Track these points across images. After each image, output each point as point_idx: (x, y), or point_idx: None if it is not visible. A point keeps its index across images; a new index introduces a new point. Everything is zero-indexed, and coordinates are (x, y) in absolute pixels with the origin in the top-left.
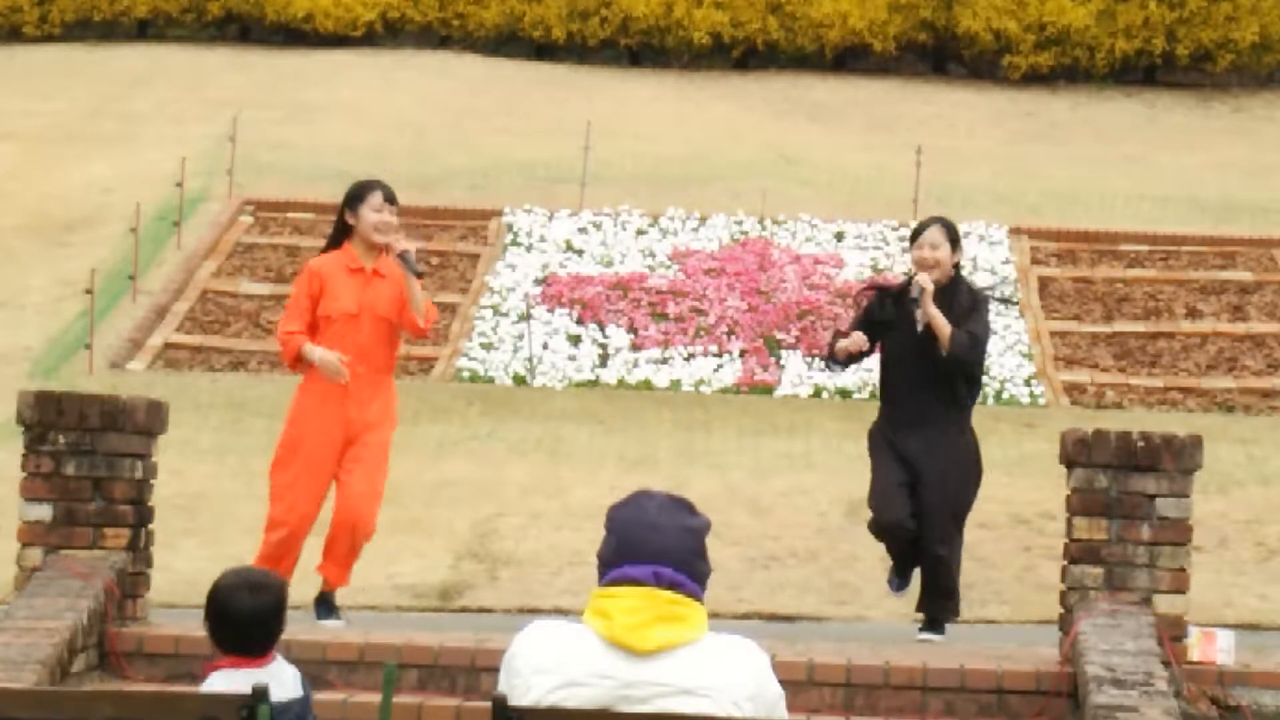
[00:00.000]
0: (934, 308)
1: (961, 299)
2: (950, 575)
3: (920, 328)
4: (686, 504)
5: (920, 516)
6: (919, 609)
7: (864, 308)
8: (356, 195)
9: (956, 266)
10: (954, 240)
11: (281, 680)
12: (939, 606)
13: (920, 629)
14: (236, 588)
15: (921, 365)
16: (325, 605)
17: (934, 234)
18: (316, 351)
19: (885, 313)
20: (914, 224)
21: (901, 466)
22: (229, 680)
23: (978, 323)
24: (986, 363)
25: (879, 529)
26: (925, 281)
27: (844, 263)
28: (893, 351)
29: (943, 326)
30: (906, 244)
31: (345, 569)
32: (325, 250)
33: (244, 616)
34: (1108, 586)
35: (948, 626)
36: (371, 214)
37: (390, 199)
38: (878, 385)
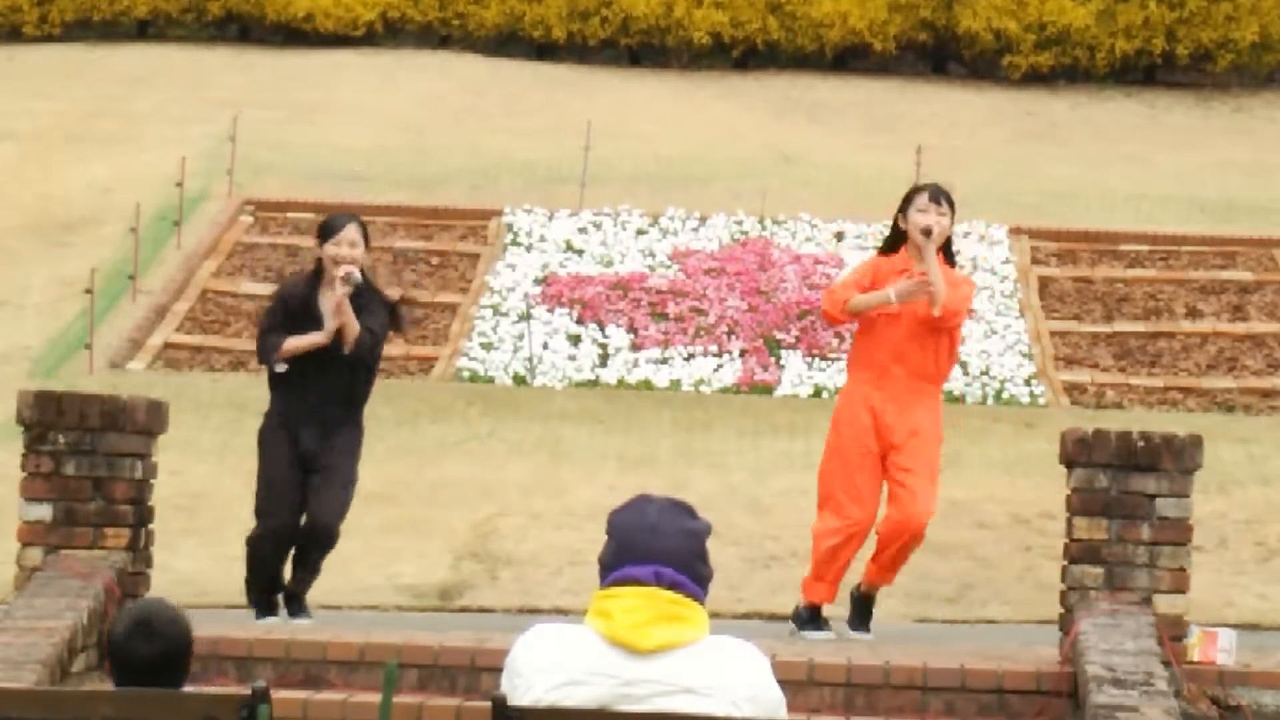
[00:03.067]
0: (348, 309)
1: (371, 299)
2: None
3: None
4: (687, 508)
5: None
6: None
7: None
8: (907, 199)
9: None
10: (366, 239)
11: None
12: (309, 583)
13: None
14: (132, 634)
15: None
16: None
17: (351, 232)
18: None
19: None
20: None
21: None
22: None
23: (375, 319)
24: (986, 362)
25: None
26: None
27: (844, 263)
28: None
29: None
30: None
31: (892, 572)
32: None
33: (142, 665)
34: (1108, 586)
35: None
36: (917, 215)
37: None
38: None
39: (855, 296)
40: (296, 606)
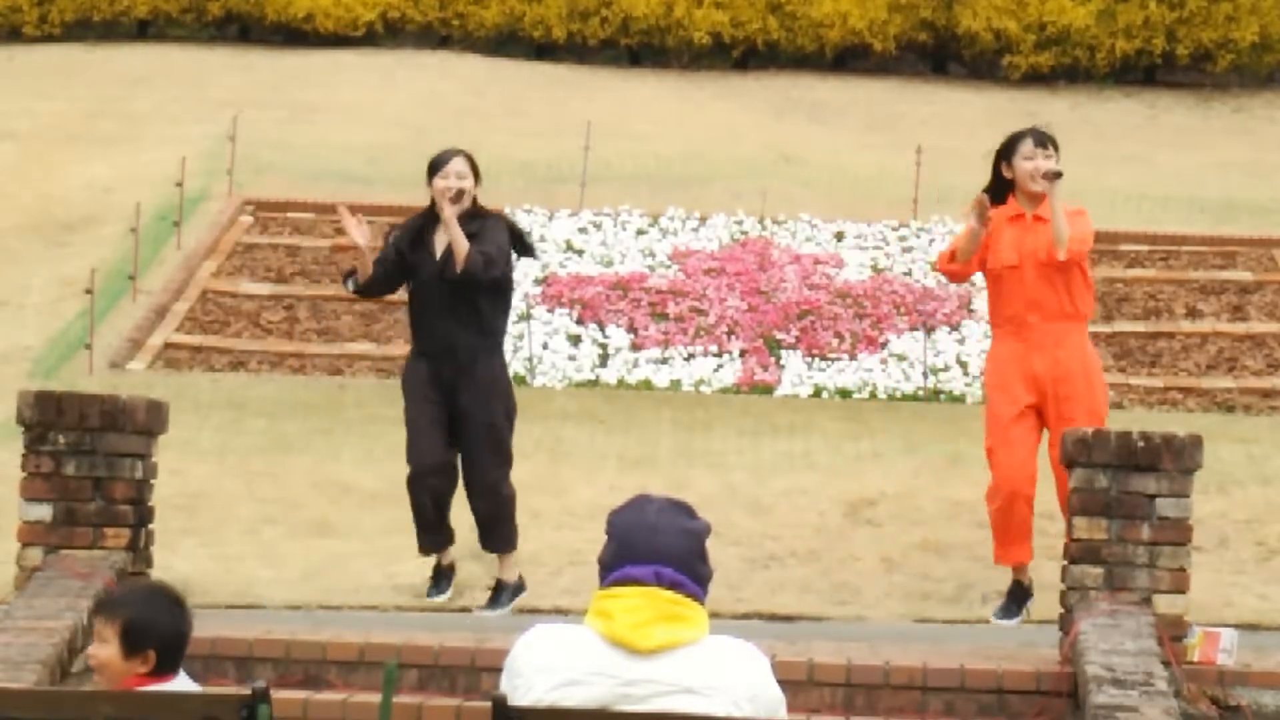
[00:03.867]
0: (455, 226)
1: (487, 224)
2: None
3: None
4: (686, 507)
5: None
6: (487, 548)
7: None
8: (1008, 146)
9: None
10: (475, 172)
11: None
12: (501, 539)
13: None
14: (162, 608)
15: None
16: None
17: (458, 164)
18: None
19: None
20: (915, 223)
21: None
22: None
23: (490, 242)
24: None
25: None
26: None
27: (844, 263)
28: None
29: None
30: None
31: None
32: None
33: (183, 635)
34: (1108, 586)
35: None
36: (1025, 163)
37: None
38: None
39: (955, 245)
40: (495, 595)
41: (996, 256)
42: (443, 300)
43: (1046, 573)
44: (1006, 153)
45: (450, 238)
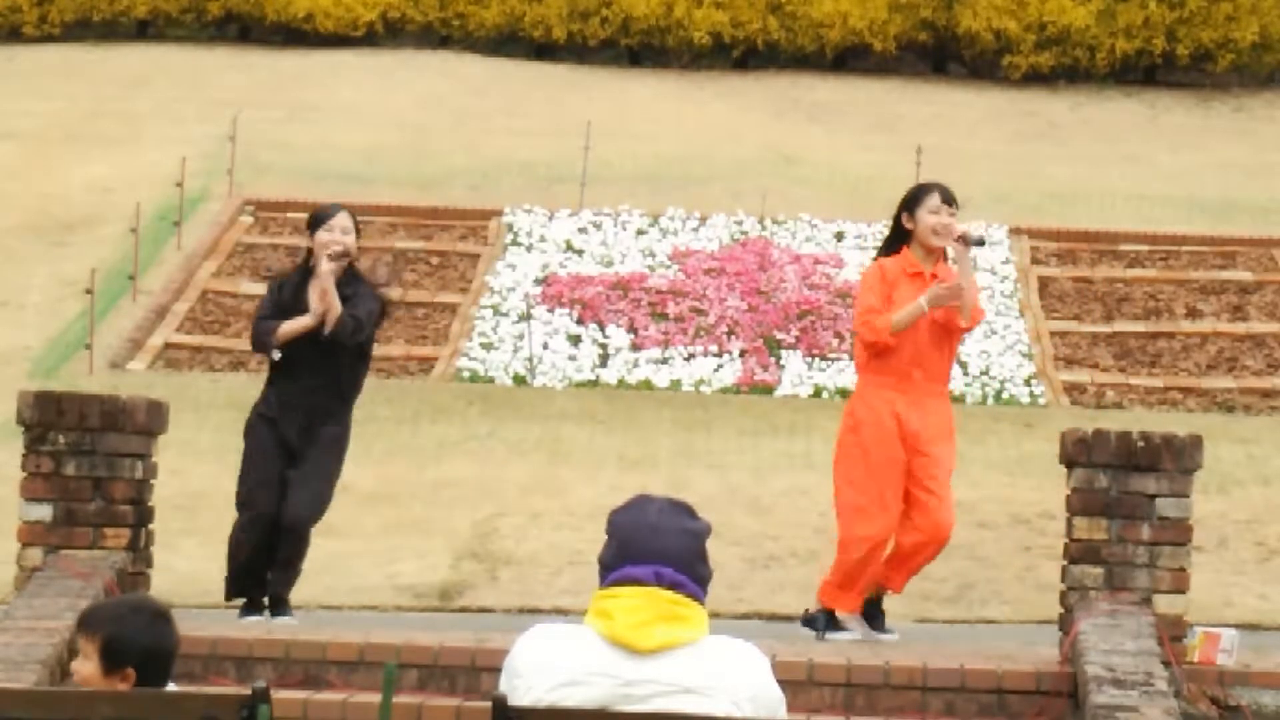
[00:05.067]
0: (330, 284)
1: (360, 289)
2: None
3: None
4: (687, 508)
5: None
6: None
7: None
8: (913, 198)
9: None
10: (357, 228)
11: None
12: (294, 577)
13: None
14: (143, 625)
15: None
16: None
17: (343, 219)
18: None
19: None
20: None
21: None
22: None
23: (361, 307)
24: (986, 362)
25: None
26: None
27: (844, 263)
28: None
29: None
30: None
31: (909, 577)
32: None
33: (166, 651)
34: (1108, 586)
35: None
36: (929, 217)
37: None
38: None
39: (892, 317)
40: (278, 606)
41: (893, 310)
42: (308, 358)
43: (1046, 572)
44: (910, 204)
45: (323, 296)
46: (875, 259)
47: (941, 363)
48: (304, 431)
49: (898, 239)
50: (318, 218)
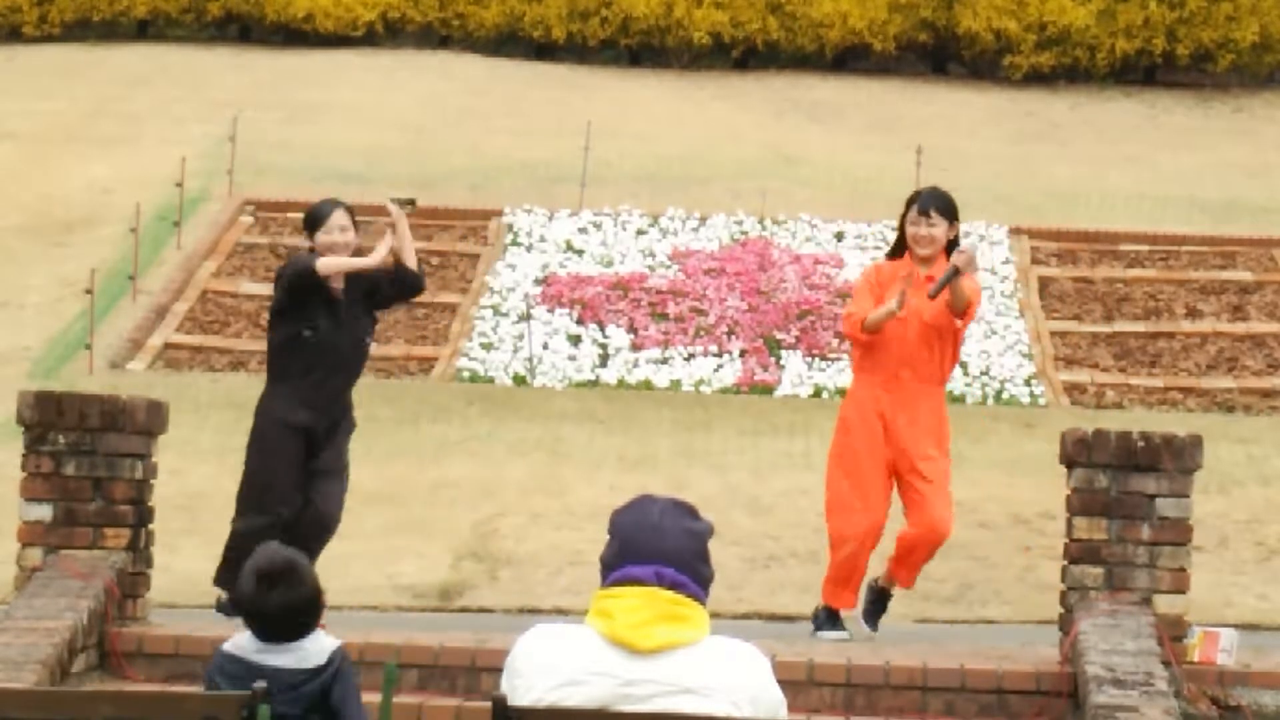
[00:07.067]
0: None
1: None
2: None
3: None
4: (689, 508)
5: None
6: None
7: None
8: (906, 205)
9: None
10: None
11: (300, 652)
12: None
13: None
14: (262, 588)
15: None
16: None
17: (340, 217)
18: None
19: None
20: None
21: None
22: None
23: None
24: (986, 362)
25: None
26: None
27: (844, 263)
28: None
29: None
30: None
31: (915, 573)
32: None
33: (272, 611)
34: (1108, 586)
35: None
36: (909, 226)
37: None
38: None
39: (868, 314)
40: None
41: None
42: (340, 355)
43: (1046, 573)
44: (906, 211)
45: (402, 253)
46: (874, 261)
47: (932, 363)
48: (331, 427)
49: (902, 242)
50: (314, 218)
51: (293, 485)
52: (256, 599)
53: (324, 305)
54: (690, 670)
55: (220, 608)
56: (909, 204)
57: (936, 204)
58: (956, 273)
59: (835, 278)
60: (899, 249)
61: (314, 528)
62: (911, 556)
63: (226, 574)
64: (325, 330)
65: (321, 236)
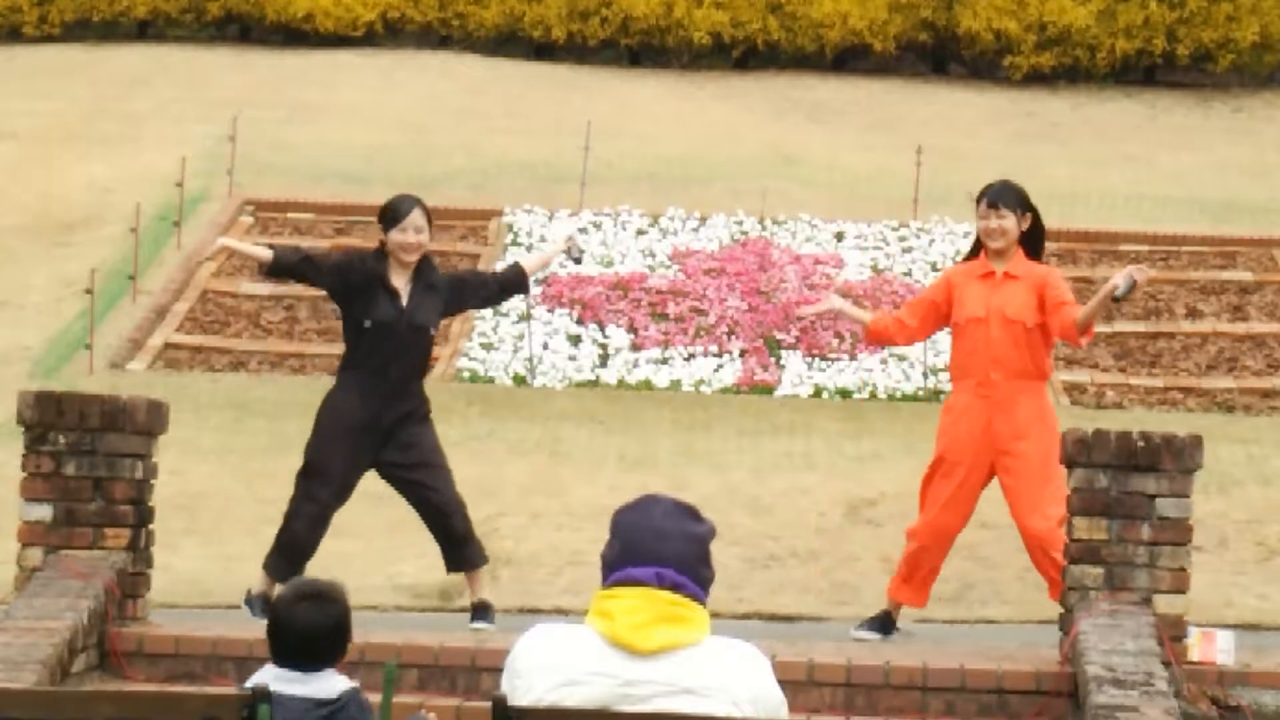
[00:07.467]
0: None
1: (434, 276)
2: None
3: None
4: (692, 510)
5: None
6: (463, 567)
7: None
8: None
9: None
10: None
11: (314, 684)
12: (476, 553)
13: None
14: (294, 601)
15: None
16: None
17: (417, 218)
18: None
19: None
20: (915, 223)
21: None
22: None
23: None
24: None
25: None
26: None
27: (844, 263)
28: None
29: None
30: (904, 240)
31: (1055, 571)
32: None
33: (297, 631)
34: (1108, 586)
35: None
36: (979, 220)
37: None
38: None
39: (872, 322)
40: (483, 612)
41: (961, 310)
42: (403, 345)
43: None
44: (978, 207)
45: (549, 259)
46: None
47: (1022, 360)
48: (402, 419)
49: (978, 244)
50: (392, 214)
51: (339, 472)
52: (284, 611)
53: (385, 295)
54: (690, 671)
55: (248, 601)
56: (978, 199)
57: (1005, 196)
58: (1134, 286)
59: (835, 278)
60: (977, 249)
61: (437, 518)
62: (1032, 558)
63: (272, 559)
64: (384, 320)
65: (396, 234)
